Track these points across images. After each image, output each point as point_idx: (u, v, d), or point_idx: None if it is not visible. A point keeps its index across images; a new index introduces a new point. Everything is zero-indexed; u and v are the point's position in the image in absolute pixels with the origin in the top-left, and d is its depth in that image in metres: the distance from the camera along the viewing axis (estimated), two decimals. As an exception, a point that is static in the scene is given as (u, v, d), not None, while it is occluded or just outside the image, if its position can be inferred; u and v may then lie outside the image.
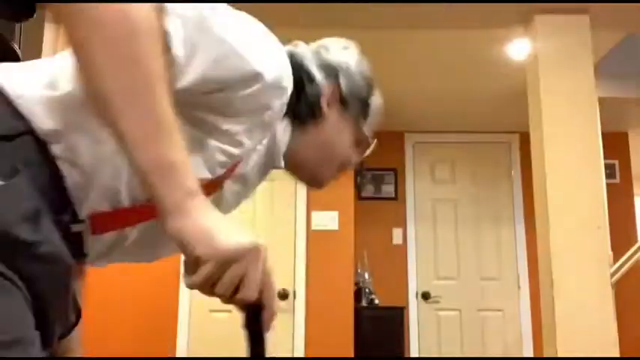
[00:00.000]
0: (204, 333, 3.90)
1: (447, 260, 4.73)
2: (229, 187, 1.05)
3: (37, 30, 2.43)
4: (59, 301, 0.79)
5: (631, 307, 4.50)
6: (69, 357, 1.02)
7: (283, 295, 3.88)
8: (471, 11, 2.52)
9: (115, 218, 0.85)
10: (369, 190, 4.82)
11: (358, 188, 4.75)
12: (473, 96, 4.09)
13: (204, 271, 0.72)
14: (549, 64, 2.45)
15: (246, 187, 1.16)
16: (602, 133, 2.48)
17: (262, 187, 4.36)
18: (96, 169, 0.80)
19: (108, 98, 0.68)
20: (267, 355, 0.91)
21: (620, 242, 3.80)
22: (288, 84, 0.89)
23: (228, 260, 0.72)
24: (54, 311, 0.78)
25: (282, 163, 1.11)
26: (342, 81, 1.08)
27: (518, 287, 4.65)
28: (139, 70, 0.69)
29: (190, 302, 3.92)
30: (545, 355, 2.34)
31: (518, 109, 4.31)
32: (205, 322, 3.91)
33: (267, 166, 1.12)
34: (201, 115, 0.84)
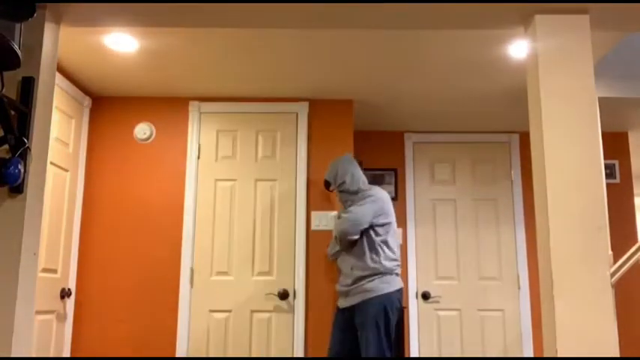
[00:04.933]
0: (204, 333, 3.90)
1: (447, 260, 4.73)
2: None
3: (37, 30, 2.43)
4: None
5: (631, 307, 4.51)
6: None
7: (283, 295, 3.88)
8: (472, 11, 2.52)
9: None
10: (369, 190, 4.81)
11: (358, 188, 4.74)
12: (473, 96, 4.10)
13: None
14: (549, 64, 2.45)
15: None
16: (602, 133, 2.48)
17: (262, 187, 4.43)
18: None
19: None
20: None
21: (620, 242, 3.81)
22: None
23: None
24: None
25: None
26: None
27: (519, 287, 4.66)
28: None
29: (190, 302, 3.93)
30: (545, 355, 2.34)
31: (518, 109, 4.33)
32: (205, 322, 3.91)
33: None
34: None
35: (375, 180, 4.82)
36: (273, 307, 3.92)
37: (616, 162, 4.81)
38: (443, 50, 3.37)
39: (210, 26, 2.70)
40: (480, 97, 4.12)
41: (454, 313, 4.66)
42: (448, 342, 4.61)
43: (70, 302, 3.88)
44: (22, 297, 2.26)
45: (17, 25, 2.16)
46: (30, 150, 2.33)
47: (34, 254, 2.36)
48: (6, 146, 2.27)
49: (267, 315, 3.91)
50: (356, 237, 3.49)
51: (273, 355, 3.87)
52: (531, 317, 4.59)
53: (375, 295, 3.40)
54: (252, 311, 3.92)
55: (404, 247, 4.74)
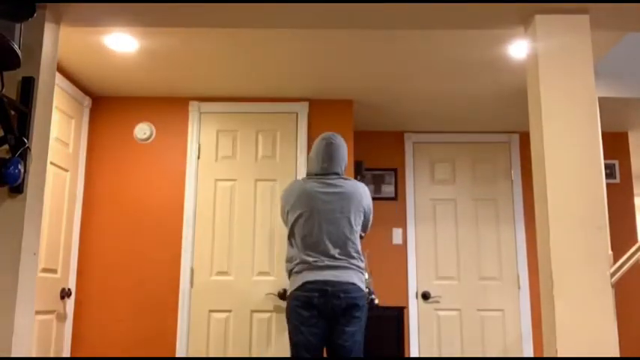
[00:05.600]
0: (204, 333, 3.90)
1: (447, 260, 4.73)
2: None
3: (37, 30, 2.43)
4: None
5: (631, 307, 4.51)
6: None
7: (283, 295, 3.88)
8: (471, 11, 2.52)
9: None
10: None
11: (358, 188, 4.74)
12: (473, 96, 4.09)
13: None
14: (549, 64, 2.45)
15: None
16: (602, 133, 2.49)
17: (263, 187, 4.43)
18: None
19: None
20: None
21: (620, 242, 3.81)
22: None
23: None
24: None
25: None
26: None
27: (519, 287, 4.65)
28: None
29: (190, 302, 3.93)
30: (545, 355, 2.34)
31: (518, 109, 4.33)
32: (205, 322, 3.91)
33: None
34: None
35: (375, 180, 4.83)
36: (273, 307, 3.92)
37: (616, 162, 4.81)
38: (443, 50, 3.37)
39: (211, 26, 2.70)
40: (480, 97, 4.12)
41: (454, 313, 4.65)
42: (448, 342, 4.61)
43: (70, 302, 3.88)
44: (22, 297, 2.26)
45: (17, 25, 2.16)
46: (30, 150, 2.33)
47: (34, 254, 2.36)
48: (6, 146, 2.27)
49: (267, 315, 3.91)
50: None
51: (273, 355, 3.87)
52: (531, 317, 4.59)
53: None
54: (252, 311, 3.92)
55: (404, 247, 4.74)
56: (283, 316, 3.88)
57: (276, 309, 3.91)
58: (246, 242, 4.00)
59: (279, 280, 3.94)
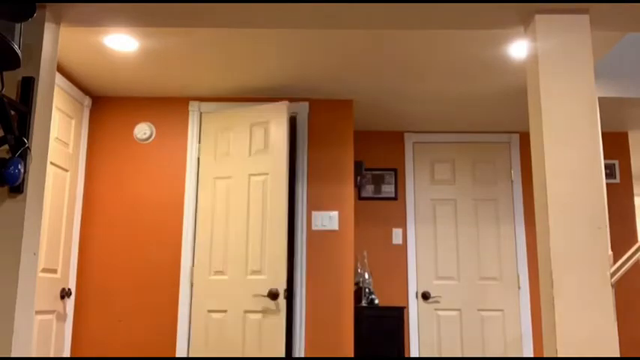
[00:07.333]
0: (204, 333, 3.89)
1: (447, 260, 4.73)
2: None
3: (37, 30, 2.43)
4: None
5: (631, 307, 4.51)
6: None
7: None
8: (472, 11, 2.52)
9: None
10: (369, 190, 4.82)
11: (358, 188, 4.76)
12: (473, 96, 4.10)
13: None
14: (549, 64, 2.45)
15: None
16: (602, 133, 2.49)
17: (260, 186, 4.37)
18: None
19: None
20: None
21: (620, 242, 3.82)
22: None
23: None
24: None
25: None
26: None
27: (519, 287, 4.66)
28: None
29: (190, 302, 3.92)
30: (545, 355, 2.34)
31: (518, 109, 4.33)
32: (205, 322, 3.91)
33: None
34: None
35: (375, 180, 4.83)
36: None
37: (616, 162, 4.81)
38: (443, 50, 3.37)
39: (211, 26, 2.70)
40: (480, 97, 4.12)
41: (454, 313, 4.66)
42: (448, 342, 4.61)
43: (70, 302, 3.88)
44: (22, 297, 2.26)
45: (17, 25, 2.16)
46: (30, 150, 2.33)
47: (34, 254, 2.36)
48: (6, 146, 2.27)
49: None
50: None
51: (272, 354, 3.86)
52: (531, 317, 4.59)
53: None
54: (253, 311, 3.91)
55: (404, 247, 4.74)
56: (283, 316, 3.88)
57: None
58: (245, 242, 4.00)
59: (277, 279, 3.94)
